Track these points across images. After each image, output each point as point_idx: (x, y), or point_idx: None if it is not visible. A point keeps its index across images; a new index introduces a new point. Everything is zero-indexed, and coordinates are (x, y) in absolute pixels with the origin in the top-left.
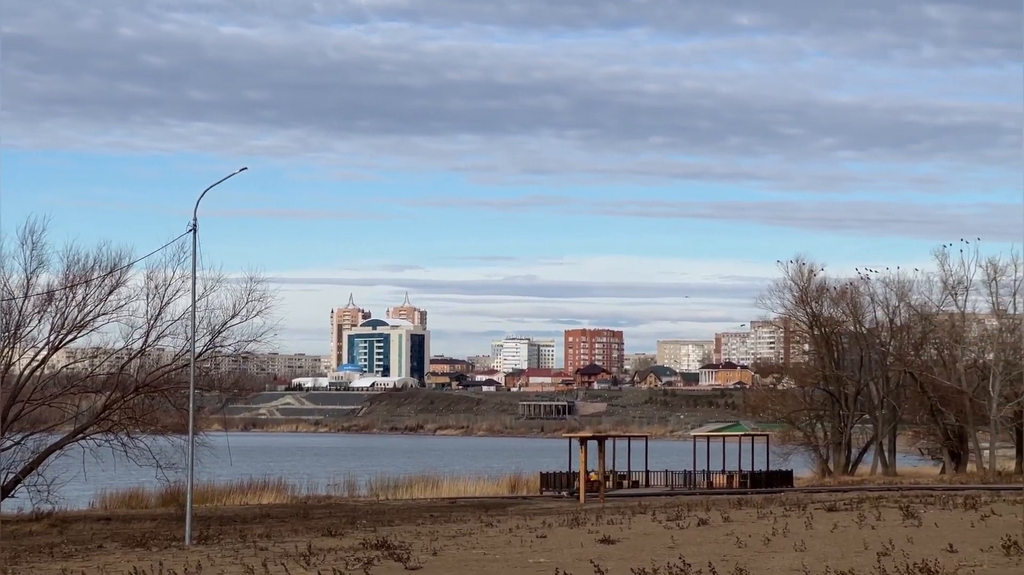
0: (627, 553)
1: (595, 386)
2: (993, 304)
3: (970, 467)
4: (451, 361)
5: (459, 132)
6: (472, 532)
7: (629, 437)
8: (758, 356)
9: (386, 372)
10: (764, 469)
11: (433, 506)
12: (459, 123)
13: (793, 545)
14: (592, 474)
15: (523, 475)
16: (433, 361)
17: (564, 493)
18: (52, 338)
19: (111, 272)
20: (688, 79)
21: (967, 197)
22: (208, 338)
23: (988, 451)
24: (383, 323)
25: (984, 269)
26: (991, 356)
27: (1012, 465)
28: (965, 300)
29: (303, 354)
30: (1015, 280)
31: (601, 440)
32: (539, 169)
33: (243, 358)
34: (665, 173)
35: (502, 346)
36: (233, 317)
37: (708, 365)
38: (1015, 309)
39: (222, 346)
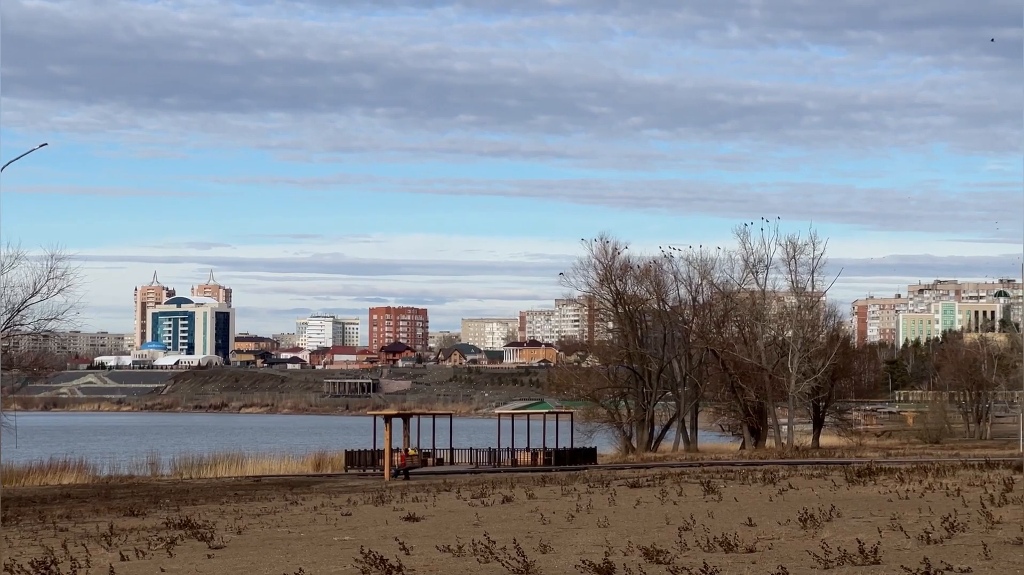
0: (432, 531)
1: (400, 364)
2: (792, 282)
3: (769, 443)
4: (256, 339)
5: (268, 110)
6: (277, 510)
7: (434, 415)
8: (562, 334)
9: (191, 350)
10: (568, 446)
11: (237, 484)
12: (268, 101)
13: (597, 521)
14: (410, 451)
15: (328, 453)
16: (238, 339)
17: (371, 471)
18: None
19: None
20: (497, 57)
21: (770, 176)
22: (7, 316)
23: (787, 427)
24: (188, 301)
25: (784, 248)
26: (790, 333)
27: (809, 440)
28: (765, 278)
29: (106, 332)
30: (813, 259)
31: (406, 418)
32: (347, 147)
33: (43, 337)
34: (473, 151)
35: (307, 324)
36: (33, 295)
37: (512, 343)
38: (813, 287)
39: (21, 324)
